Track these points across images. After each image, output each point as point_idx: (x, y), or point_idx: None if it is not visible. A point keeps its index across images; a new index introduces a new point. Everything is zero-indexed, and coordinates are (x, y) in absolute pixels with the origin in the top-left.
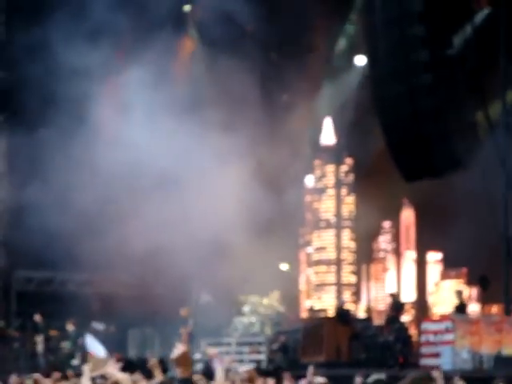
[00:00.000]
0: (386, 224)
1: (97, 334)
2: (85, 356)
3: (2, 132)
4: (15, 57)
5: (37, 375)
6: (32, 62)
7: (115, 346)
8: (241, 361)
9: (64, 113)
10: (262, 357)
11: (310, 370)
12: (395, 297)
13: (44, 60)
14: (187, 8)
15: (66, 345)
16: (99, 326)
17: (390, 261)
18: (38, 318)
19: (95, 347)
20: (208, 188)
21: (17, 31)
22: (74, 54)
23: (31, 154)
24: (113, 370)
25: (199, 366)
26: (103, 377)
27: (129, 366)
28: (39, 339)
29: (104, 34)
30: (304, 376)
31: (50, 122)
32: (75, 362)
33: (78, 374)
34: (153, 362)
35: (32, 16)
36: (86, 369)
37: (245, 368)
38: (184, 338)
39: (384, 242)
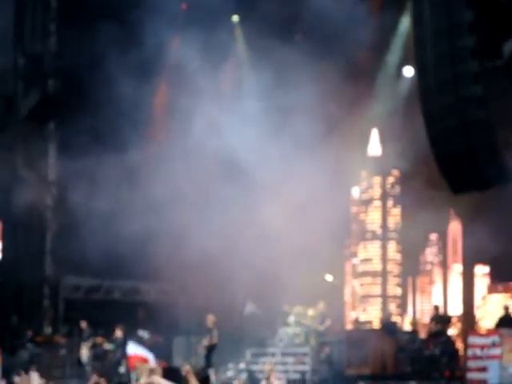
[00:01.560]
0: (433, 236)
1: (142, 343)
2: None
3: (51, 140)
4: (67, 66)
5: None
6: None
7: (161, 354)
8: (285, 371)
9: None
10: (307, 368)
11: None
12: (441, 310)
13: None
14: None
15: (110, 347)
16: (145, 334)
17: (437, 273)
18: (83, 324)
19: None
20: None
21: (68, 42)
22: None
23: (80, 163)
24: (159, 378)
25: (243, 376)
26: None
27: (174, 375)
28: (85, 346)
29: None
30: None
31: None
32: (122, 369)
33: (125, 382)
34: (186, 369)
35: (83, 26)
36: (137, 373)
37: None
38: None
39: (430, 254)
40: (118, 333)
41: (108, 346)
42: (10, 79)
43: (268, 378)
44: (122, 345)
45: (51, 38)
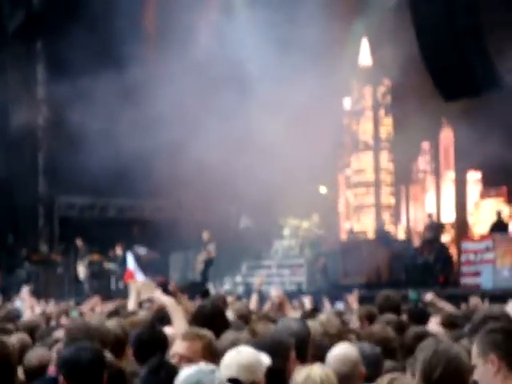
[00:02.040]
0: (425, 145)
1: (139, 259)
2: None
3: (40, 58)
4: None
5: (83, 307)
6: None
7: (158, 270)
8: (282, 283)
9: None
10: (303, 279)
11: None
12: (434, 217)
13: None
14: None
15: (110, 266)
16: (142, 250)
17: (430, 181)
18: (79, 242)
19: (136, 268)
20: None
21: None
22: None
23: (71, 80)
24: (159, 294)
25: (240, 289)
26: (150, 301)
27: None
28: (81, 264)
29: None
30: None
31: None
32: (120, 285)
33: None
34: (173, 287)
35: None
36: (133, 290)
37: (275, 293)
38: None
39: (423, 162)
40: (118, 250)
41: (109, 266)
42: None
43: (259, 291)
44: (123, 262)
45: None
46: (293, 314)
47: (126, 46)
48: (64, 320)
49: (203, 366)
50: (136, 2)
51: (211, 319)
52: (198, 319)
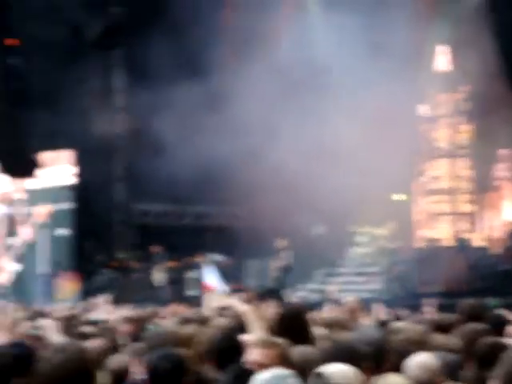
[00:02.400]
0: (503, 152)
1: (215, 266)
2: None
3: (119, 67)
4: None
5: (162, 315)
6: None
7: (233, 277)
8: (357, 291)
9: None
10: (378, 287)
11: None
12: None
13: None
14: None
15: (192, 275)
16: (217, 257)
17: (507, 189)
18: (155, 249)
19: (212, 279)
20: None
21: None
22: None
23: (149, 88)
24: (235, 301)
25: (315, 297)
26: (226, 308)
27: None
28: (158, 270)
29: None
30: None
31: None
32: (196, 292)
33: (199, 304)
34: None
35: None
36: (207, 299)
37: (350, 298)
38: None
39: (501, 170)
40: (199, 258)
41: (190, 274)
42: (76, 7)
43: (332, 300)
44: (202, 270)
45: None
46: (366, 321)
47: (206, 52)
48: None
49: (279, 370)
50: (216, 9)
51: (290, 327)
52: (278, 326)
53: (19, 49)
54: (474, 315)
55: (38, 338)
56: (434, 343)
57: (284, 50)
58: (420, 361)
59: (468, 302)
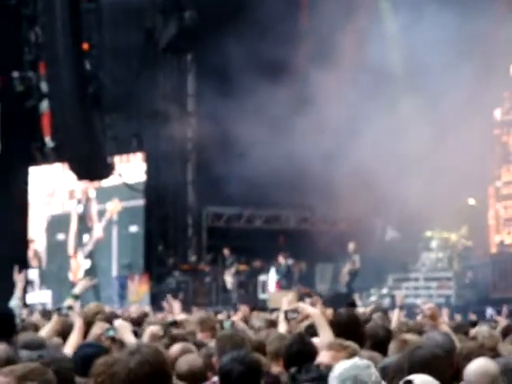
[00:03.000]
0: None
1: (287, 269)
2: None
3: (190, 71)
4: None
5: (236, 319)
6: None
7: (304, 281)
8: (429, 296)
9: None
10: (451, 292)
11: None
12: None
13: None
14: None
15: (263, 278)
16: (289, 260)
17: None
18: (226, 252)
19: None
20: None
21: None
22: None
23: (220, 92)
24: (304, 304)
25: (387, 301)
26: (295, 311)
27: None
28: (229, 273)
29: None
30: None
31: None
32: (264, 295)
33: (264, 308)
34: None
35: None
36: (284, 301)
37: (427, 305)
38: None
39: None
40: (281, 260)
41: (262, 278)
42: (148, 12)
43: (401, 306)
44: (283, 272)
45: None
46: (445, 327)
47: (280, 55)
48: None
49: (358, 360)
50: (292, 12)
51: (346, 329)
52: (333, 328)
53: (94, 53)
54: None
55: (113, 340)
56: (506, 351)
57: (365, 53)
58: (480, 366)
59: None
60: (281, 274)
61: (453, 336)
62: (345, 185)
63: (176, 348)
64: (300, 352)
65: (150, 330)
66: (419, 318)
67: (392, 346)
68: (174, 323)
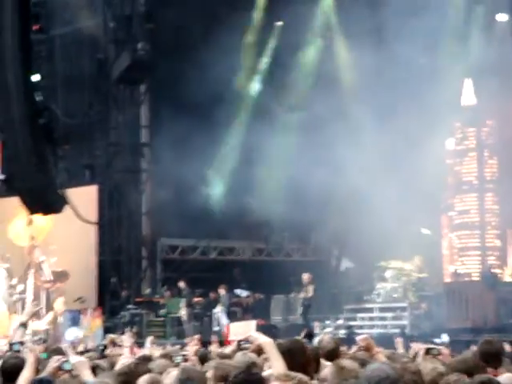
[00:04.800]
0: None
1: (240, 301)
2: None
3: (143, 102)
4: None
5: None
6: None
7: (259, 312)
8: (384, 326)
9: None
10: (406, 322)
11: None
12: None
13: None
14: None
15: (217, 309)
16: (243, 292)
17: None
18: (181, 284)
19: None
20: None
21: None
22: None
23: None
24: (256, 333)
25: (342, 333)
26: (248, 341)
27: (273, 331)
28: (183, 305)
29: None
30: None
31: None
32: (217, 328)
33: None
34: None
35: None
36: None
37: (361, 337)
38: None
39: None
40: (222, 291)
41: (215, 310)
42: (101, 42)
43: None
44: (225, 302)
45: None
46: (381, 357)
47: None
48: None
49: None
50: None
51: (290, 355)
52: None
53: (45, 85)
54: (492, 353)
55: (70, 374)
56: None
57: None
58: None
59: (486, 339)
60: (224, 306)
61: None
62: (299, 216)
63: (143, 380)
64: (245, 381)
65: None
66: (354, 349)
67: (330, 371)
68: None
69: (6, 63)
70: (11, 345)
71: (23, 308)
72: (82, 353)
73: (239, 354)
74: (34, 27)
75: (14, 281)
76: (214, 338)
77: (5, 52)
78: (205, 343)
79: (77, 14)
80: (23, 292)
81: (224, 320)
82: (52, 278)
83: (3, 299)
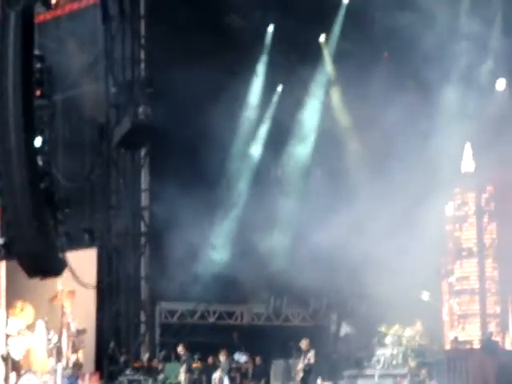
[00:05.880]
0: None
1: (239, 366)
2: None
3: (143, 166)
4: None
5: None
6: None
7: (258, 377)
8: None
9: None
10: None
11: None
12: None
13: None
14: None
15: (217, 375)
16: (242, 357)
17: None
18: (180, 349)
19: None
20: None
21: (158, 68)
22: None
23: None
24: None
25: None
26: None
27: None
28: (182, 371)
29: None
30: None
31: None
32: None
33: None
34: None
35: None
36: None
37: None
38: None
39: None
40: (222, 357)
41: (215, 375)
42: (103, 107)
43: None
44: (225, 368)
45: (141, 64)
46: None
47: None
48: None
49: None
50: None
51: None
52: None
53: (47, 149)
54: None
55: None
56: None
57: None
58: None
59: None
60: (224, 371)
61: None
62: (298, 281)
63: None
64: None
65: None
66: None
67: None
68: None
69: (9, 128)
70: None
71: (58, 354)
72: None
73: None
74: (37, 92)
75: (51, 334)
76: None
77: (8, 116)
78: None
79: (79, 80)
80: (57, 342)
81: None
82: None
83: (44, 347)
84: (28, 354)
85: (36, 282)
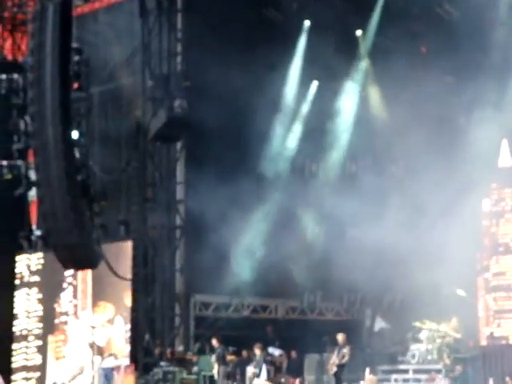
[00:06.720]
0: None
1: (273, 360)
2: None
3: (179, 159)
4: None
5: None
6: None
7: (292, 371)
8: None
9: None
10: None
11: None
12: None
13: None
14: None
15: (250, 369)
16: (276, 350)
17: None
18: (214, 342)
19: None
20: None
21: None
22: None
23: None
24: None
25: None
26: None
27: None
28: (215, 363)
29: None
30: None
31: None
32: None
33: None
34: None
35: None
36: None
37: None
38: None
39: None
40: (257, 351)
41: (249, 369)
42: (139, 100)
43: None
44: (260, 363)
45: (177, 58)
46: None
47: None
48: None
49: None
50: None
51: None
52: None
53: (83, 142)
54: None
55: None
56: None
57: None
58: None
59: None
60: (258, 366)
61: None
62: (333, 275)
63: None
64: None
65: None
66: None
67: None
68: None
69: (47, 120)
70: None
71: None
72: None
73: None
74: (74, 85)
75: (127, 326)
76: None
77: (45, 109)
78: None
79: (116, 73)
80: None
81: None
82: None
83: (122, 336)
84: (109, 342)
85: (115, 285)
